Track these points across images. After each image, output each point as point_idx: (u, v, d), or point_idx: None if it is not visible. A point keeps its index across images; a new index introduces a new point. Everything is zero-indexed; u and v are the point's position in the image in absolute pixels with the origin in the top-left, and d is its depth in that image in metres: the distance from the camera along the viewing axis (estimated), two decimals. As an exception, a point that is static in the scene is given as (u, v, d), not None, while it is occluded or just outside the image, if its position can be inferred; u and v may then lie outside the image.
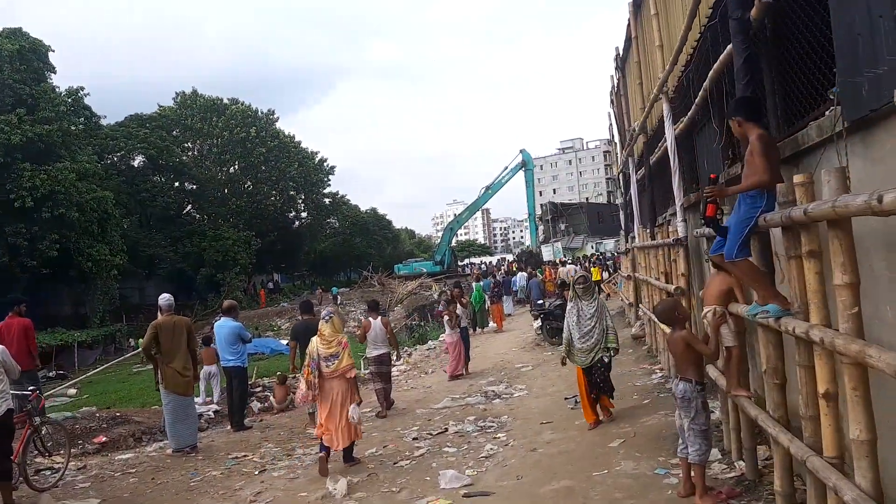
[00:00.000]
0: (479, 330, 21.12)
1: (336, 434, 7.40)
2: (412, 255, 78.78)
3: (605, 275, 31.46)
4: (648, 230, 11.56)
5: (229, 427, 10.65)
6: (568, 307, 8.01)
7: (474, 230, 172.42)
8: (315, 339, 7.59)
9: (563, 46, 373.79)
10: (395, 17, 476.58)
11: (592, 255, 48.46)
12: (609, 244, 56.66)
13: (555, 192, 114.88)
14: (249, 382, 14.19)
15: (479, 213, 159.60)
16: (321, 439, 7.50)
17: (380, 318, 11.32)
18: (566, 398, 9.83)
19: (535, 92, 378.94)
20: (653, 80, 10.59)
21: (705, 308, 5.09)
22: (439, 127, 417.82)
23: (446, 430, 8.97)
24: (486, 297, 22.19)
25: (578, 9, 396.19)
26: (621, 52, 14.49)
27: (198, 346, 9.59)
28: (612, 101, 18.15)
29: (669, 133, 8.30)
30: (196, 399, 12.38)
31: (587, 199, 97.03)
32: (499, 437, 8.19)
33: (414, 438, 8.69)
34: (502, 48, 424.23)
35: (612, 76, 16.95)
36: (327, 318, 7.74)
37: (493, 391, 11.54)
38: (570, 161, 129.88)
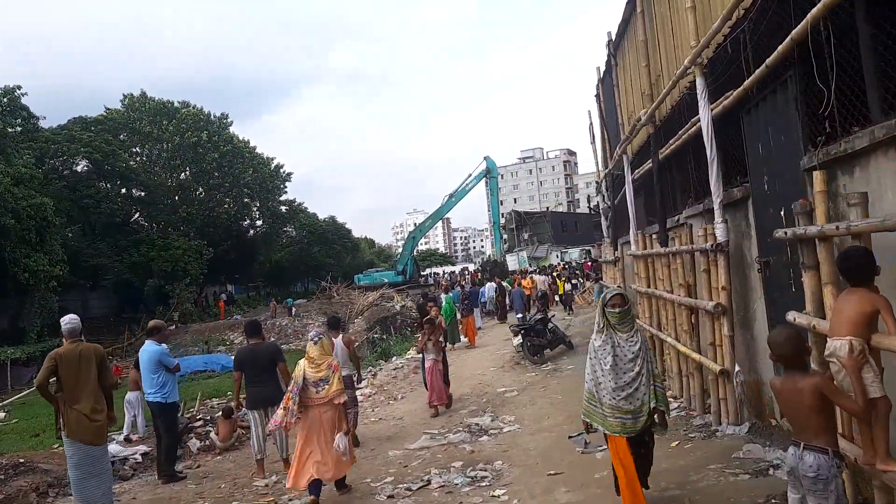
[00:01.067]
0: (450, 346, 19.39)
1: (330, 465, 6.76)
2: (372, 264, 76.65)
3: (568, 286, 30.02)
4: (657, 235, 10.00)
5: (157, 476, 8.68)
6: (594, 344, 5.20)
7: (434, 240, 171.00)
8: (302, 363, 6.93)
9: (526, 58, 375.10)
10: (360, 25, 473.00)
11: (558, 264, 47.25)
12: (574, 253, 55.73)
13: (515, 202, 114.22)
14: (190, 413, 12.27)
15: (439, 223, 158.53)
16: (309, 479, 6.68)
17: (342, 336, 9.75)
18: (570, 437, 8.14)
19: (497, 102, 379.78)
20: (668, 57, 9.07)
21: (834, 340, 3.46)
22: (401, 136, 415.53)
23: (429, 482, 7.19)
24: (457, 309, 20.45)
25: (543, 21, 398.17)
26: (614, 38, 12.99)
27: (114, 381, 7.64)
28: (597, 96, 16.68)
29: (705, 114, 6.73)
30: (120, 435, 10.47)
31: (548, 207, 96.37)
32: (498, 497, 6.44)
33: (389, 496, 6.88)
34: (466, 58, 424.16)
35: (598, 68, 15.47)
36: (316, 338, 7.08)
37: (478, 425, 9.80)
38: (530, 170, 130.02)
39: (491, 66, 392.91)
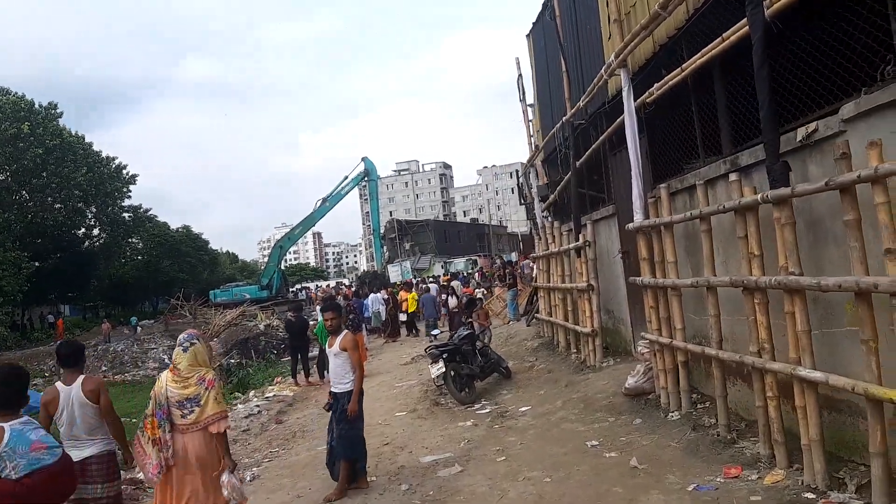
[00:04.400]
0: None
1: None
2: (233, 279, 69.09)
3: (453, 300, 25.58)
4: (744, 173, 5.32)
5: None
6: None
7: (305, 254, 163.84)
8: (165, 375, 5.17)
9: (396, 75, 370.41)
10: (218, 35, 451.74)
11: (444, 274, 43.04)
12: (459, 263, 51.73)
13: (391, 214, 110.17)
14: None
15: (310, 237, 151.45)
16: None
17: (80, 380, 5.19)
18: None
19: (367, 120, 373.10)
20: None
21: None
22: (268, 151, 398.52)
23: None
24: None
25: (412, 39, 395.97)
26: None
27: None
28: (537, 28, 12.03)
29: None
30: None
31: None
32: None
33: None
34: (332, 77, 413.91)
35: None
36: (187, 344, 5.13)
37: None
38: (406, 183, 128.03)
39: (359, 85, 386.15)
